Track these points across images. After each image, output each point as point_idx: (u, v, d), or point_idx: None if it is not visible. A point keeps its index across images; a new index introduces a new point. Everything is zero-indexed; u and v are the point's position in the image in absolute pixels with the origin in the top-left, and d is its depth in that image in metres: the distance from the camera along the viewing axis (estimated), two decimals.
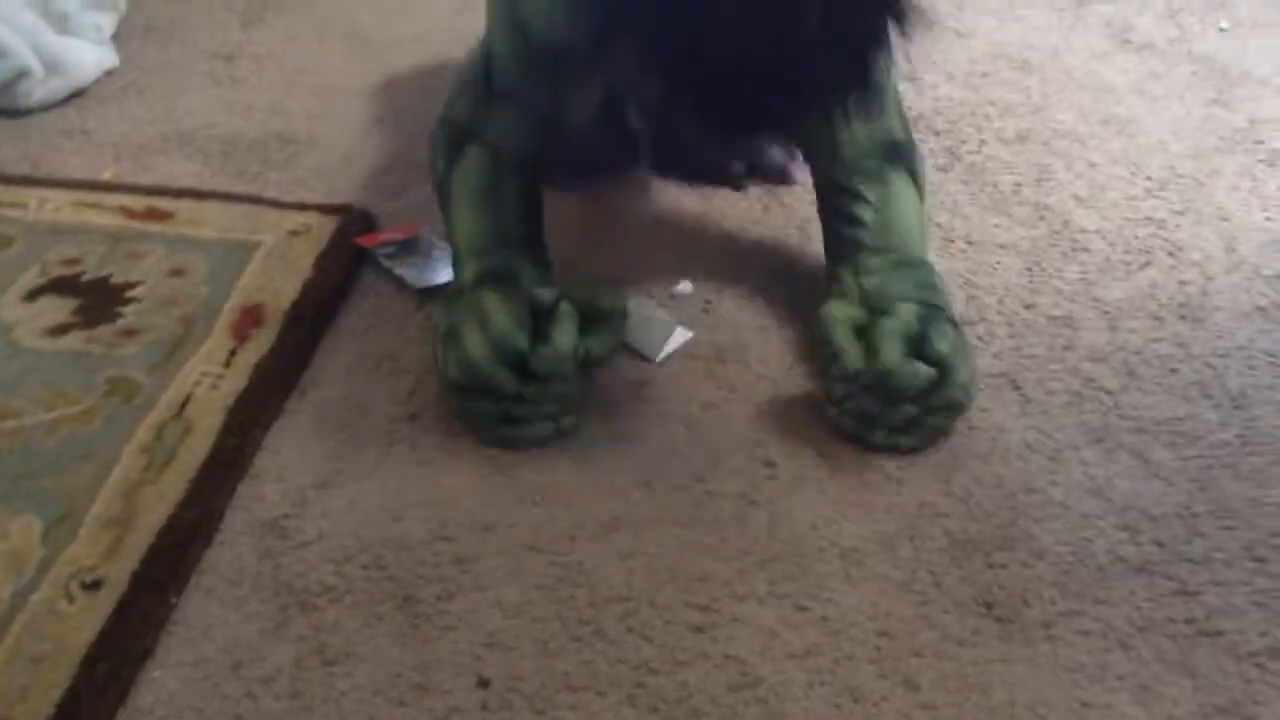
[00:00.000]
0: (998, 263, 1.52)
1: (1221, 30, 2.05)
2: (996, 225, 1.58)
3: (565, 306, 1.23)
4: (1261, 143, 1.74)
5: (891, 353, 1.22)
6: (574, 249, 1.51)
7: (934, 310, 1.28)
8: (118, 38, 1.95)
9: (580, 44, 1.28)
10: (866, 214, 1.36)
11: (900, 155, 1.40)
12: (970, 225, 1.57)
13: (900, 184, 1.39)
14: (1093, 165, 1.69)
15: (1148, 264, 1.51)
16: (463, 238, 1.36)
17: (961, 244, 1.54)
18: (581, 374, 1.26)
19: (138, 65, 1.90)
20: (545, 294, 1.24)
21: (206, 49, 1.96)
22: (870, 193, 1.37)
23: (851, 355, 1.25)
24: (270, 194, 1.63)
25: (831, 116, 1.29)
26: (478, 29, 1.47)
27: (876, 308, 1.29)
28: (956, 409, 1.26)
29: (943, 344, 1.23)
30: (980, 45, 2.00)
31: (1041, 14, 2.11)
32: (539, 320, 1.23)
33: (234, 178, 1.67)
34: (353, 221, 1.56)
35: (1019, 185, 1.65)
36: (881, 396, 1.23)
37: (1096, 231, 1.57)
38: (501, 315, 1.23)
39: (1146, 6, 2.12)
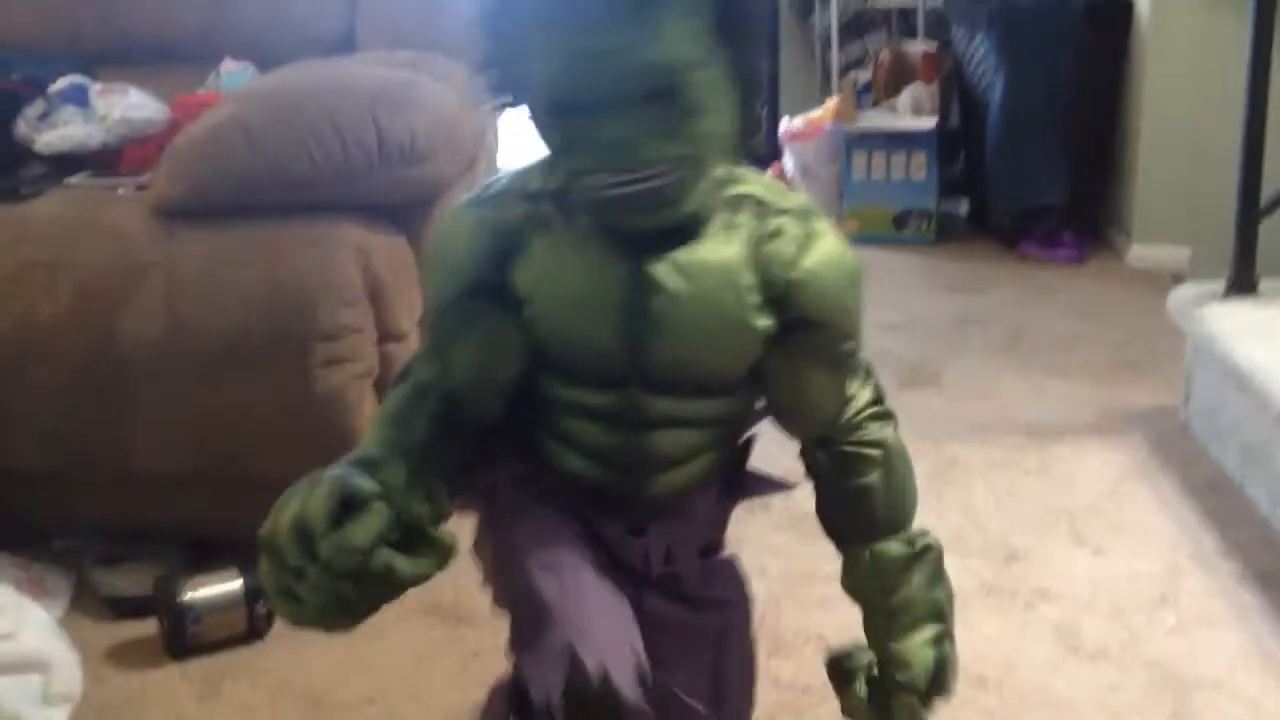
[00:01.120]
0: None
1: (1170, 628, 2.08)
2: None
3: (377, 505, 1.15)
4: None
5: None
6: None
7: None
8: None
9: (456, 301, 1.26)
10: (874, 477, 1.31)
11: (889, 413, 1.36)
12: None
13: (894, 441, 1.33)
14: None
15: None
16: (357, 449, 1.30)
17: None
18: (379, 585, 1.14)
19: None
20: (363, 486, 1.16)
21: None
22: (875, 452, 1.32)
23: None
24: None
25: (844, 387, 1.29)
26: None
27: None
28: None
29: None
30: None
31: (990, 621, 2.13)
32: (348, 510, 1.14)
33: None
34: None
35: None
36: None
37: None
38: (317, 492, 1.15)
39: (1093, 607, 2.16)
